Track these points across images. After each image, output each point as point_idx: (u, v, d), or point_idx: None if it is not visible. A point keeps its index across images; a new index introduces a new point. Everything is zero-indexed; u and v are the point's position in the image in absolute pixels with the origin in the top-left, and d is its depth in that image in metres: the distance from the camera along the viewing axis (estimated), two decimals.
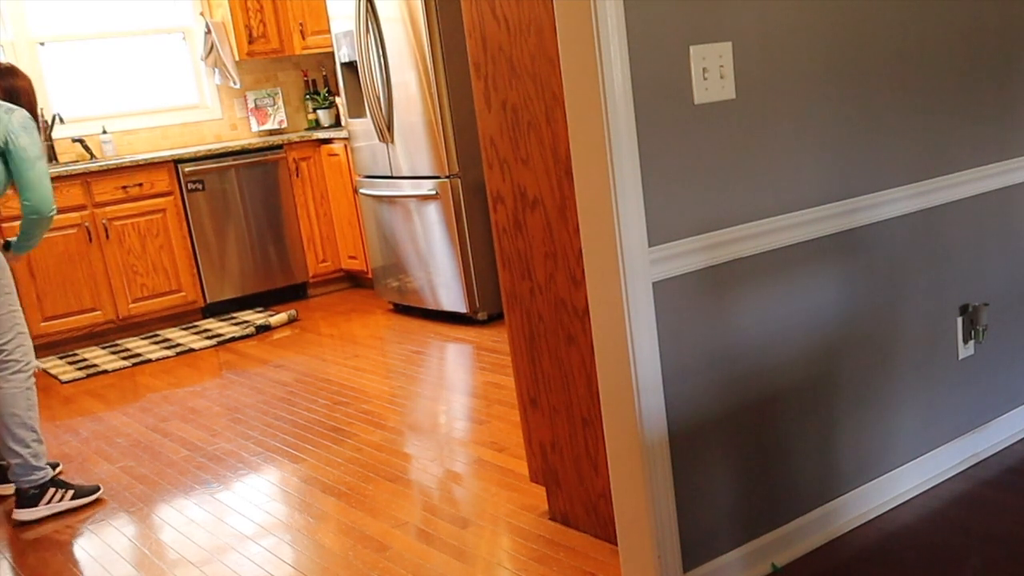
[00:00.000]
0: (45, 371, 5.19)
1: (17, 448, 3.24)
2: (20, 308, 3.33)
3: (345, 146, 5.94)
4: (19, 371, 3.27)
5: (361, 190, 5.58)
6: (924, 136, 2.53)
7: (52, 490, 3.30)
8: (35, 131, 3.27)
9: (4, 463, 3.38)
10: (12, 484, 3.34)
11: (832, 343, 2.43)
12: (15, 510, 3.28)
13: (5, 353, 3.24)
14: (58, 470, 3.55)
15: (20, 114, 3.25)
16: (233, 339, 5.43)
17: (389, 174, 5.34)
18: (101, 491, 3.41)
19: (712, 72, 2.11)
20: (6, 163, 3.22)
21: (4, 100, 3.30)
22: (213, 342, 5.37)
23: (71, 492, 3.33)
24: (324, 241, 6.34)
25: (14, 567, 2.93)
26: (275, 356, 5.00)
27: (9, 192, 3.32)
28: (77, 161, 5.87)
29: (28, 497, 3.27)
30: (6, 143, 3.19)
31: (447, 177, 4.93)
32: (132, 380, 4.84)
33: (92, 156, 5.94)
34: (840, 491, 2.50)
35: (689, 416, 2.19)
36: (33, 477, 3.26)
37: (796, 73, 2.25)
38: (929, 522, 2.51)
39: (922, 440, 2.67)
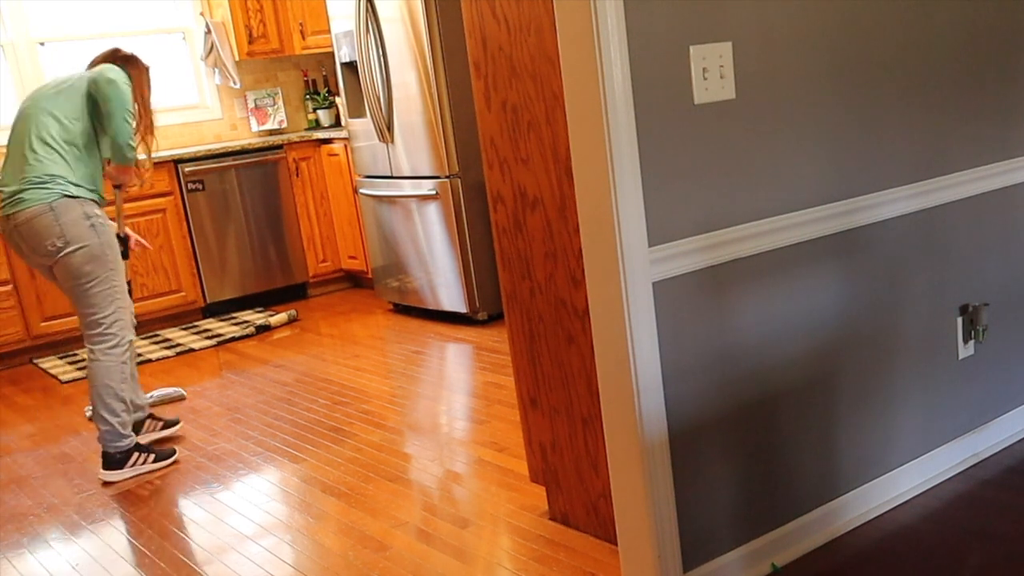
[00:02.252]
0: (45, 371, 5.20)
1: (108, 416, 3.46)
2: (123, 284, 3.51)
3: (345, 146, 5.94)
4: (116, 345, 3.47)
5: (361, 190, 5.58)
6: (924, 136, 2.53)
7: (136, 454, 3.55)
8: (124, 84, 3.41)
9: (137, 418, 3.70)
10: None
11: (832, 343, 2.43)
12: (101, 471, 3.53)
13: (104, 327, 3.44)
14: (178, 427, 3.91)
15: (110, 67, 3.43)
16: (233, 339, 5.43)
17: (389, 174, 5.34)
18: (177, 455, 3.66)
19: (712, 72, 2.11)
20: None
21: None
22: (213, 342, 5.37)
23: (152, 456, 3.58)
24: (324, 241, 6.34)
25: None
26: (275, 356, 5.00)
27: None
28: None
29: (114, 460, 3.51)
30: (89, 90, 3.40)
31: (447, 177, 4.93)
32: None
33: None
34: (840, 491, 2.50)
35: (689, 416, 2.19)
36: (120, 444, 3.51)
37: (796, 73, 2.25)
38: (929, 522, 2.51)
39: (922, 440, 2.67)
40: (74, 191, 3.36)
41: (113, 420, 3.47)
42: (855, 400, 2.50)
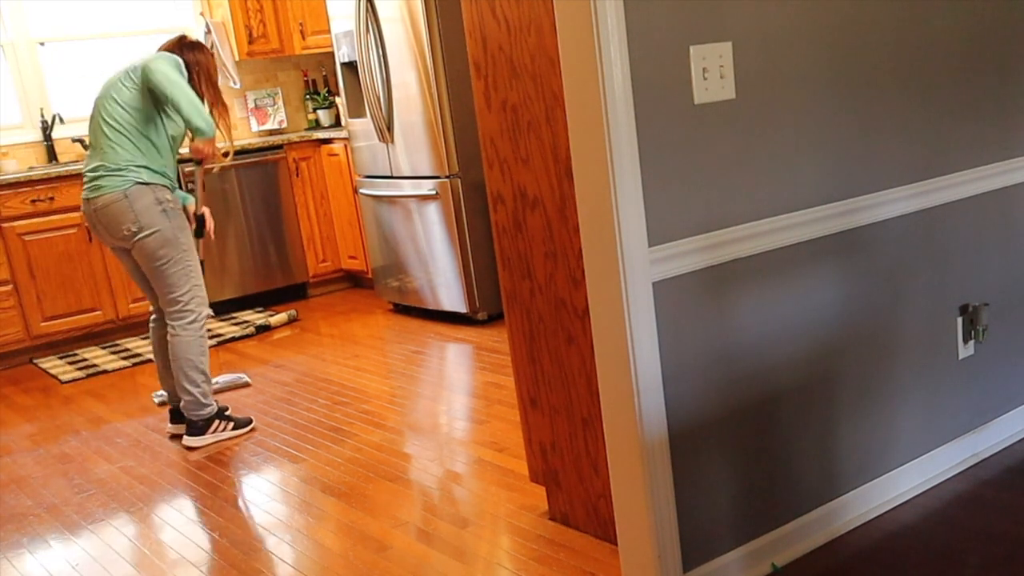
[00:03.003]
0: (45, 371, 5.20)
1: (189, 387, 3.72)
2: (197, 263, 3.75)
3: (345, 146, 5.94)
4: (194, 320, 3.71)
5: (361, 190, 5.58)
6: (924, 136, 2.53)
7: (216, 422, 3.81)
8: (174, 67, 3.56)
9: (176, 405, 3.87)
10: (183, 424, 3.83)
11: (832, 343, 2.43)
12: (185, 436, 3.79)
13: (182, 304, 3.68)
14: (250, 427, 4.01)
15: (163, 54, 3.60)
16: (233, 339, 5.43)
17: (389, 174, 5.34)
18: (254, 423, 3.92)
19: (712, 72, 2.11)
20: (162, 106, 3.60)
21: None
22: (213, 342, 5.36)
23: (232, 424, 3.84)
24: (324, 241, 6.34)
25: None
26: (275, 356, 5.00)
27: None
28: (77, 161, 5.87)
29: (197, 427, 3.77)
30: (144, 80, 3.54)
31: (447, 177, 4.93)
32: (132, 380, 4.84)
33: None
34: (840, 491, 2.50)
35: (689, 416, 2.19)
36: (202, 412, 3.77)
37: (796, 73, 2.25)
38: (929, 522, 2.51)
39: (922, 440, 2.67)
40: (146, 177, 3.57)
41: (194, 390, 3.72)
42: (855, 400, 2.50)
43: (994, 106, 2.69)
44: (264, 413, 4.09)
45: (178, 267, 3.64)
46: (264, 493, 3.25)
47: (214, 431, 3.79)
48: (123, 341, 5.65)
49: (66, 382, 4.94)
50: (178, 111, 3.55)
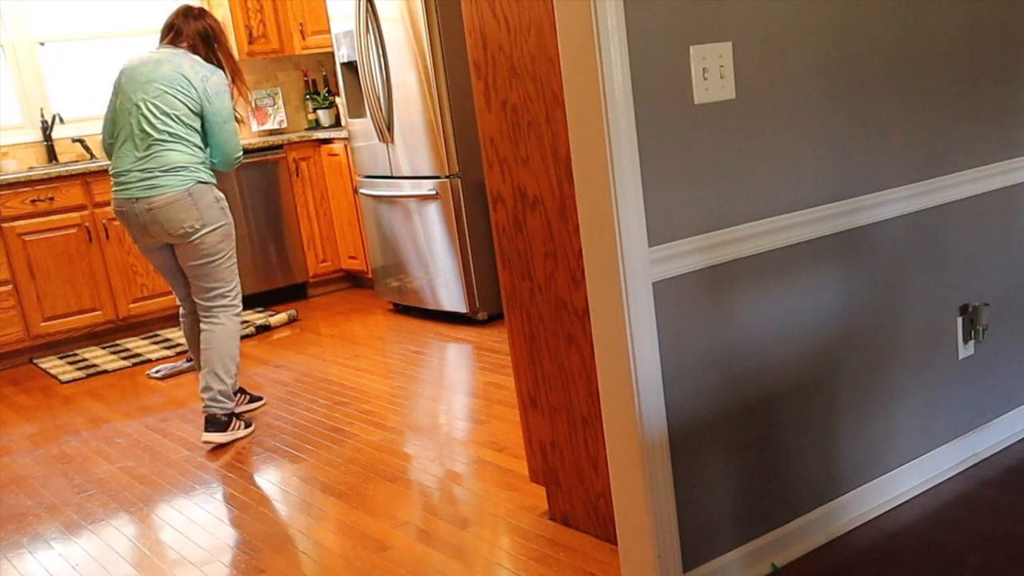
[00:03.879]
0: (45, 371, 5.20)
1: (225, 378, 3.75)
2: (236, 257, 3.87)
3: (345, 146, 5.94)
4: (237, 313, 3.83)
5: (361, 190, 5.58)
6: (924, 136, 2.53)
7: (235, 420, 3.83)
8: (227, 95, 3.74)
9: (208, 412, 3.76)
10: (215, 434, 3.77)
11: (832, 343, 2.43)
12: (206, 434, 3.73)
13: (230, 298, 3.80)
14: (262, 402, 4.17)
15: (218, 77, 3.71)
16: None
17: (389, 174, 5.34)
18: (254, 427, 3.92)
19: (712, 72, 2.11)
20: (202, 120, 3.71)
21: (201, 42, 3.75)
22: None
23: (243, 423, 3.86)
24: (324, 241, 6.34)
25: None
26: (275, 356, 5.00)
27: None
28: (77, 161, 5.87)
29: (220, 423, 3.75)
30: (202, 105, 3.66)
31: (447, 177, 4.93)
32: (132, 380, 4.84)
33: (92, 156, 5.94)
34: (840, 491, 2.50)
35: (689, 416, 2.19)
36: (228, 406, 3.78)
37: (796, 73, 2.25)
38: (929, 522, 2.51)
39: (922, 440, 2.67)
40: (205, 177, 3.69)
41: (228, 381, 3.76)
42: (855, 400, 2.50)
43: (994, 106, 2.69)
44: (264, 413, 4.09)
45: (231, 262, 3.78)
46: (264, 493, 3.25)
47: (233, 429, 3.79)
48: (123, 341, 5.64)
49: (66, 382, 4.94)
50: (214, 147, 3.72)
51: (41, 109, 5.88)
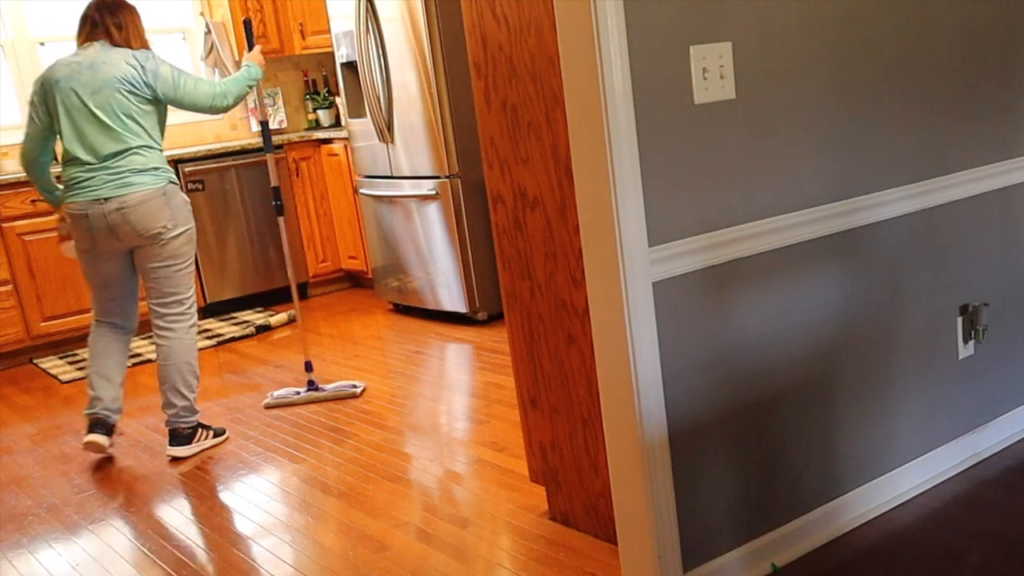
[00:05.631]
0: (45, 371, 5.19)
1: (186, 392, 3.68)
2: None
3: (345, 146, 5.94)
4: (193, 324, 3.72)
5: (361, 190, 5.58)
6: (924, 136, 2.53)
7: (201, 430, 3.75)
8: (160, 62, 3.60)
9: (105, 415, 3.70)
10: (106, 437, 3.69)
11: (832, 343, 2.43)
12: (170, 447, 3.69)
13: (185, 306, 3.69)
14: (224, 438, 3.91)
15: (144, 57, 3.57)
16: (233, 339, 5.43)
17: (389, 174, 5.34)
18: (227, 434, 3.86)
19: (712, 72, 2.11)
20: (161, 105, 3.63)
21: (116, 34, 3.61)
22: (213, 342, 5.37)
23: (211, 432, 3.78)
24: (324, 241, 6.34)
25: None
26: (275, 356, 5.00)
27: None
28: None
29: (184, 436, 3.69)
30: (153, 91, 3.56)
31: (447, 177, 4.93)
32: (132, 380, 4.84)
33: None
34: (840, 491, 2.50)
35: (689, 416, 2.19)
36: (191, 419, 3.70)
37: (796, 73, 2.25)
38: (929, 522, 2.51)
39: (922, 440, 2.67)
40: (173, 178, 3.63)
41: (190, 396, 3.69)
42: (855, 400, 2.50)
43: (994, 106, 2.69)
44: (264, 413, 4.09)
45: (190, 268, 3.68)
46: (264, 493, 3.25)
47: (199, 440, 3.72)
48: None
49: (66, 382, 4.94)
50: (196, 106, 3.64)
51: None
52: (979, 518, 2.50)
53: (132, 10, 3.66)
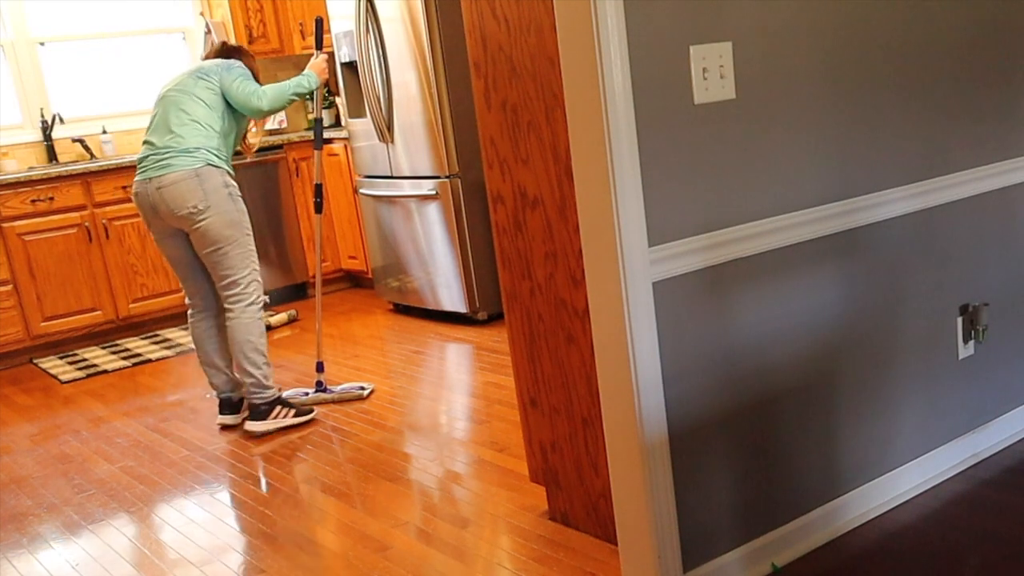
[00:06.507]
0: (45, 371, 5.20)
1: (251, 369, 3.77)
2: (254, 248, 3.82)
3: (345, 146, 5.94)
4: (252, 303, 3.77)
5: (361, 190, 5.58)
6: (924, 136, 2.53)
7: (279, 407, 3.84)
8: (238, 68, 3.82)
9: (227, 396, 3.94)
10: (232, 416, 3.93)
11: (832, 343, 2.43)
12: (247, 422, 3.83)
13: (241, 287, 3.75)
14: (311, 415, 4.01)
15: (230, 62, 3.84)
16: None
17: (389, 174, 5.34)
18: (315, 413, 3.95)
19: (712, 72, 2.11)
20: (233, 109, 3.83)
21: (223, 55, 3.93)
22: None
23: (293, 411, 3.87)
24: (324, 241, 6.33)
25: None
26: (275, 356, 5.00)
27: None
28: (77, 161, 5.87)
29: (259, 412, 3.80)
30: (220, 83, 3.77)
31: (447, 177, 4.93)
32: (132, 380, 4.84)
33: (92, 156, 5.94)
34: (840, 491, 2.50)
35: (689, 416, 2.19)
36: (265, 395, 3.80)
37: (796, 73, 2.25)
38: (929, 522, 2.51)
39: (922, 440, 2.67)
40: (216, 161, 3.69)
41: (256, 372, 3.76)
42: (855, 400, 2.50)
43: (994, 106, 2.69)
44: None
45: (241, 249, 3.72)
46: (264, 493, 3.25)
47: (276, 416, 3.81)
48: (123, 341, 5.64)
49: (66, 382, 4.94)
50: (239, 104, 3.78)
51: (41, 109, 5.88)
52: (979, 518, 2.50)
53: (248, 54, 4.00)
